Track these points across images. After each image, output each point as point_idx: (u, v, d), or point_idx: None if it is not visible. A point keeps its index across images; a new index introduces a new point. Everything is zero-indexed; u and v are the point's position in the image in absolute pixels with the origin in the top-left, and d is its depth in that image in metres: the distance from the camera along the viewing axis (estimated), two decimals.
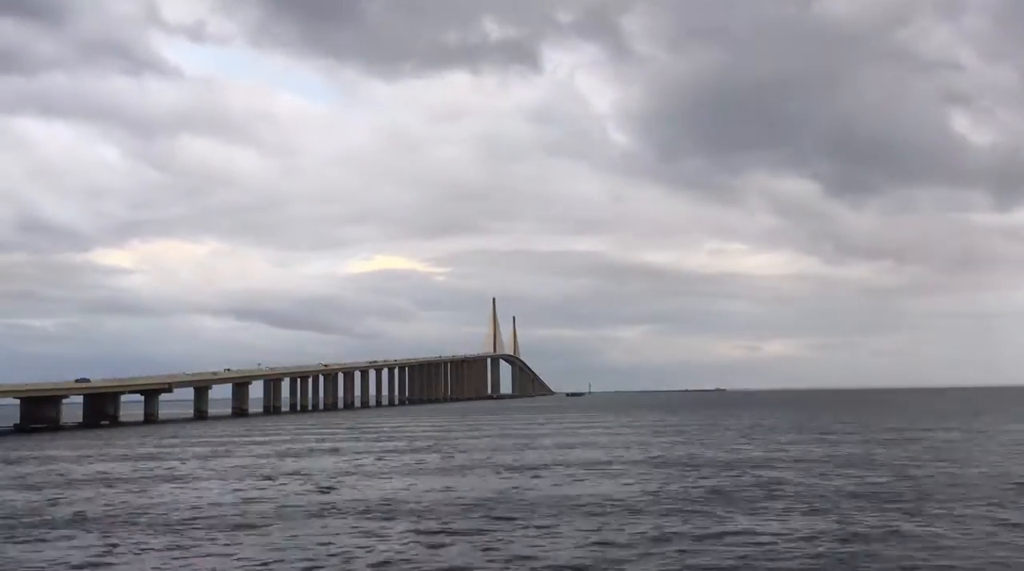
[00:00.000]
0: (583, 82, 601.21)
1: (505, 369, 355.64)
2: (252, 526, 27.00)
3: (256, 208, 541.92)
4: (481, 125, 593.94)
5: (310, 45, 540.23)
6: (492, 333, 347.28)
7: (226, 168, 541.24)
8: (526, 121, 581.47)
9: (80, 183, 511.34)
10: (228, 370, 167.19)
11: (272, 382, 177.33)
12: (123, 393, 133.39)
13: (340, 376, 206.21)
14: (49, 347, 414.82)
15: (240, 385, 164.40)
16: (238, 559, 22.06)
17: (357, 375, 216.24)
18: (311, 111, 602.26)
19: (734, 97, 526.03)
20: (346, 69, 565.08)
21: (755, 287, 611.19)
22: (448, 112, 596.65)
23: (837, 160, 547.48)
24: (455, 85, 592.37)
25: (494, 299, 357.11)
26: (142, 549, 23.80)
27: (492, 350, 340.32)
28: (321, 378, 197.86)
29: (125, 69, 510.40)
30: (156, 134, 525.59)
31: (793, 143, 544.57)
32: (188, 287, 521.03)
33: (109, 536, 25.81)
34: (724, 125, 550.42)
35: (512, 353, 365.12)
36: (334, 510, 30.17)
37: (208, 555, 22.63)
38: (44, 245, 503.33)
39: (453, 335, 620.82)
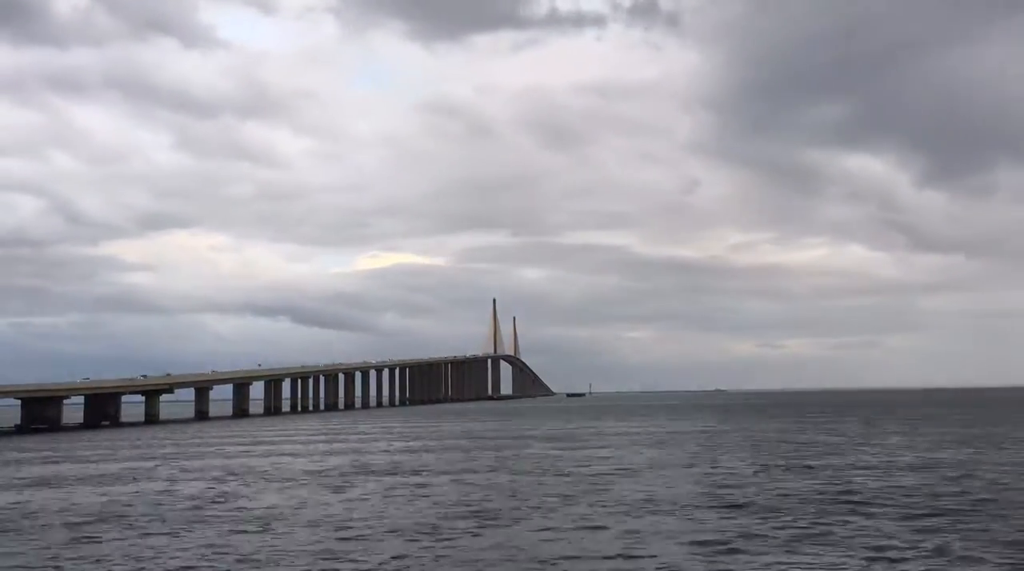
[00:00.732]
0: (673, 48, 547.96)
1: (505, 369, 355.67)
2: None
3: (283, 198, 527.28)
4: (547, 102, 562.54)
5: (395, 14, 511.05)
6: (492, 333, 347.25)
7: (261, 154, 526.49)
8: (591, 96, 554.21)
9: (110, 170, 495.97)
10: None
11: (272, 382, 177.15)
12: (124, 393, 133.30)
13: (341, 377, 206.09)
14: (64, 345, 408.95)
15: (241, 385, 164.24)
16: None
17: (358, 375, 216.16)
18: (360, 93, 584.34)
19: (846, 64, 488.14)
20: (410, 40, 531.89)
21: (790, 282, 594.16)
22: (525, 87, 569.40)
23: (940, 144, 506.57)
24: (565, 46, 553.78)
25: (494, 300, 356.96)
26: None
27: (492, 351, 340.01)
28: (322, 378, 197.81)
29: (172, 44, 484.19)
30: (195, 115, 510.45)
31: (888, 122, 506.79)
32: (210, 282, 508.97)
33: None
34: (822, 98, 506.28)
35: (512, 353, 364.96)
36: None
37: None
38: (65, 237, 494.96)
39: (479, 333, 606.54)
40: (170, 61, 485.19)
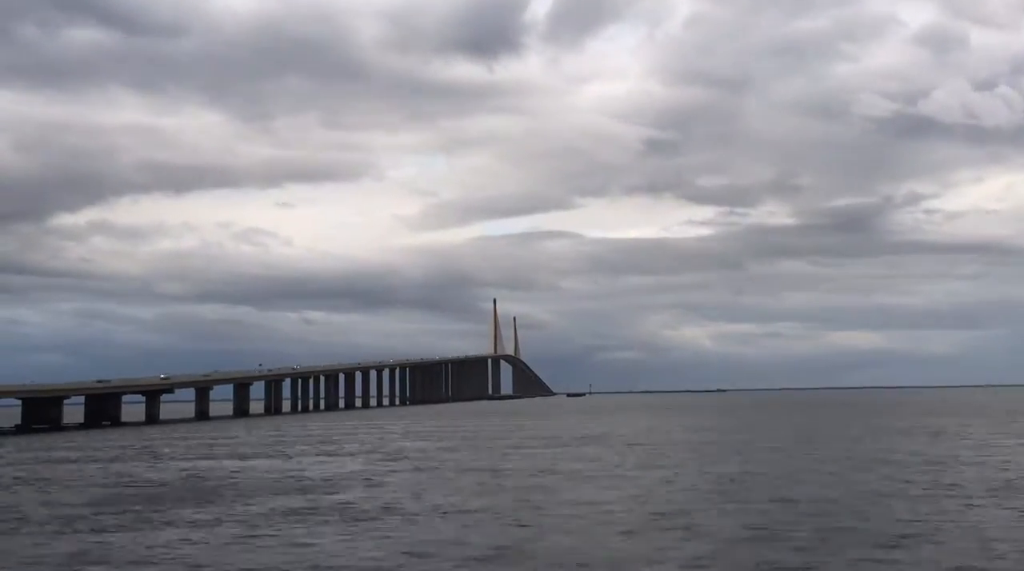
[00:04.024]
0: None
1: (506, 370, 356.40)
2: None
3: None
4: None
5: None
6: (493, 334, 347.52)
7: None
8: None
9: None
10: None
11: (273, 383, 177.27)
12: (124, 394, 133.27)
13: (341, 377, 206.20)
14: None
15: (241, 386, 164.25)
16: None
17: (358, 376, 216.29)
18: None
19: None
20: None
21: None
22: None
23: None
24: None
25: (495, 300, 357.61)
26: None
27: (493, 351, 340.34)
28: (322, 379, 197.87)
29: None
30: None
31: None
32: (294, 258, 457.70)
33: None
34: None
35: (513, 354, 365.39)
36: None
37: None
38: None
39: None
40: None
